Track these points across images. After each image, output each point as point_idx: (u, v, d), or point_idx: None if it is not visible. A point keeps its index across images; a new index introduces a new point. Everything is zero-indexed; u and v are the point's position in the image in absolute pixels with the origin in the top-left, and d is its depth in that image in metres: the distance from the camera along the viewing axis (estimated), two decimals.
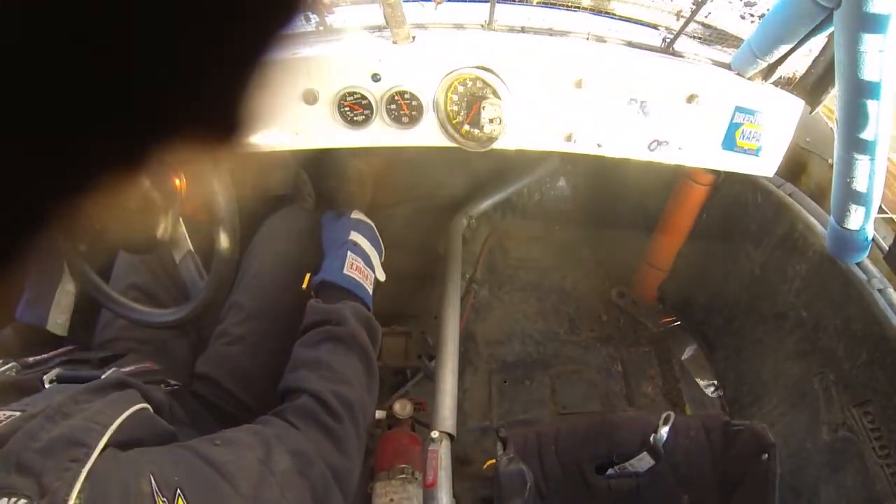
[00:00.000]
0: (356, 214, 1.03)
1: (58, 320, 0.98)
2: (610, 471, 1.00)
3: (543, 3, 1.21)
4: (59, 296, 0.98)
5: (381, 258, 1.00)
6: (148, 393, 0.68)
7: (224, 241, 0.83)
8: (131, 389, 0.65)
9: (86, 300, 0.98)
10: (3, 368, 0.74)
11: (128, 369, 0.82)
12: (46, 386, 0.71)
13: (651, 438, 0.98)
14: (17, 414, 0.57)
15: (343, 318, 0.80)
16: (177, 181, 0.82)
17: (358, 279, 0.89)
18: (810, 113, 1.10)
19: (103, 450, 0.52)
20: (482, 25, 1.10)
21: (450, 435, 0.97)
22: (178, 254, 0.90)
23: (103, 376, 0.71)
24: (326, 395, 0.70)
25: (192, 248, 0.90)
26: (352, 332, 0.80)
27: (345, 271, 0.88)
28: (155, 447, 0.57)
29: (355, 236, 0.95)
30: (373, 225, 1.03)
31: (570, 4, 1.21)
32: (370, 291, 0.91)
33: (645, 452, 0.99)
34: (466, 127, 1.07)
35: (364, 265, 0.92)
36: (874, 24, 0.72)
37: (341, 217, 1.02)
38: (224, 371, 0.93)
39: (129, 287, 1.02)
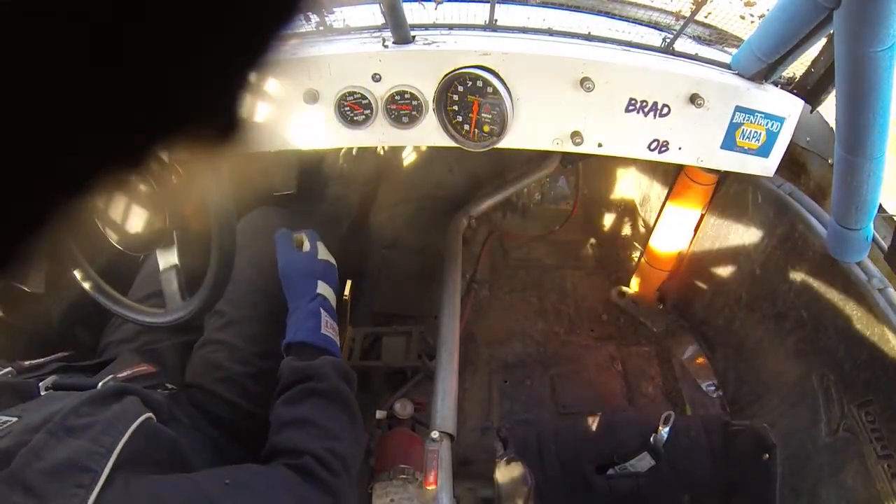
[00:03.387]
0: (322, 252, 0.96)
1: (35, 279, 1.00)
2: (610, 471, 1.00)
3: (543, 2, 1.21)
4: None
5: (337, 276, 0.97)
6: (147, 397, 0.68)
7: (220, 243, 0.82)
8: (131, 397, 0.65)
9: (88, 301, 0.98)
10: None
11: (125, 374, 0.81)
12: (42, 393, 0.71)
13: (651, 438, 0.99)
14: (13, 420, 0.57)
15: (325, 374, 0.79)
16: (176, 180, 0.82)
17: (332, 337, 0.87)
18: (810, 113, 1.10)
19: (112, 472, 0.52)
20: (482, 25, 1.10)
21: (450, 435, 0.97)
22: (164, 263, 0.90)
23: (100, 384, 0.71)
24: (322, 453, 0.70)
25: (178, 263, 0.90)
26: (335, 387, 0.79)
27: (322, 331, 0.86)
28: (166, 478, 0.57)
29: (323, 288, 0.91)
30: (334, 263, 0.97)
31: (570, 4, 1.21)
32: (339, 344, 0.90)
33: (645, 452, 0.99)
34: (466, 127, 1.07)
35: (332, 320, 0.90)
36: (874, 23, 0.72)
37: (306, 254, 0.95)
38: (215, 379, 0.92)
39: (150, 295, 1.02)
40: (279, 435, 0.74)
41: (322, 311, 0.88)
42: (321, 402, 0.77)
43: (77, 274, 0.92)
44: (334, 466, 0.70)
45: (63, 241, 0.81)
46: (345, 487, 0.71)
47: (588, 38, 1.10)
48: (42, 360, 0.84)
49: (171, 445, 0.64)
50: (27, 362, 0.81)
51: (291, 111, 1.06)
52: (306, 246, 0.97)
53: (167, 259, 0.91)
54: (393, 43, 1.00)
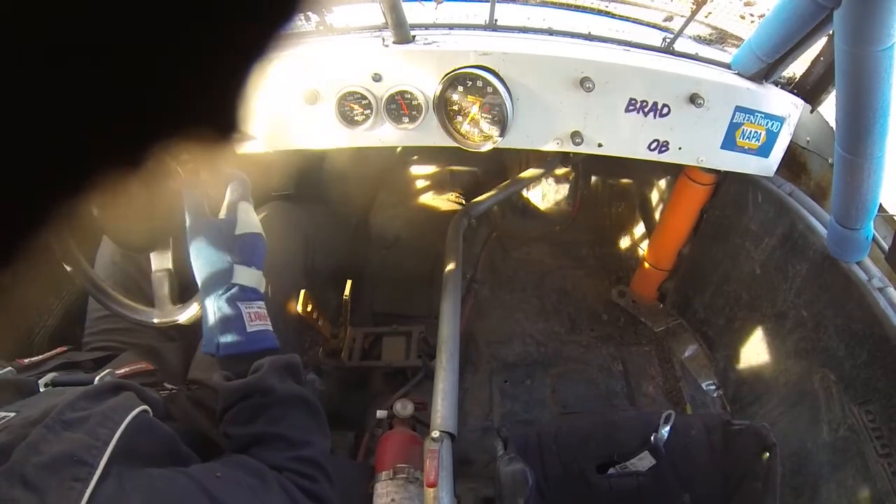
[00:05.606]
0: (243, 222, 0.77)
1: None
2: (611, 470, 1.00)
3: (543, 2, 1.21)
4: None
5: (264, 252, 0.80)
6: (143, 394, 0.68)
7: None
8: (127, 392, 0.65)
9: (87, 302, 0.98)
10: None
11: (123, 370, 0.81)
12: (42, 390, 0.71)
13: (652, 438, 0.98)
14: (12, 415, 0.57)
15: (267, 387, 0.71)
16: (176, 180, 0.82)
17: (262, 327, 0.75)
18: (810, 113, 1.10)
19: (108, 465, 0.52)
20: (482, 25, 1.10)
21: (451, 434, 0.97)
22: (157, 265, 0.90)
23: (97, 378, 0.71)
24: (296, 465, 0.68)
25: (172, 268, 0.89)
26: (282, 394, 0.72)
27: (248, 330, 0.74)
28: (160, 471, 0.57)
29: (242, 275, 0.75)
30: (260, 232, 0.79)
31: (570, 4, 1.21)
32: (271, 327, 0.77)
33: (646, 452, 0.99)
34: (466, 127, 1.07)
35: (259, 305, 0.76)
36: (874, 23, 0.72)
37: (222, 224, 0.76)
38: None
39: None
40: (245, 454, 0.70)
41: (239, 304, 0.74)
42: (274, 414, 0.71)
43: (71, 269, 0.90)
44: (310, 473, 0.69)
45: (63, 239, 0.81)
46: (328, 491, 0.70)
47: (588, 38, 1.10)
48: (41, 357, 0.84)
49: (169, 440, 0.64)
50: (26, 360, 0.81)
51: (291, 111, 1.06)
52: (222, 212, 0.77)
53: (161, 262, 0.90)
54: (393, 43, 1.00)
